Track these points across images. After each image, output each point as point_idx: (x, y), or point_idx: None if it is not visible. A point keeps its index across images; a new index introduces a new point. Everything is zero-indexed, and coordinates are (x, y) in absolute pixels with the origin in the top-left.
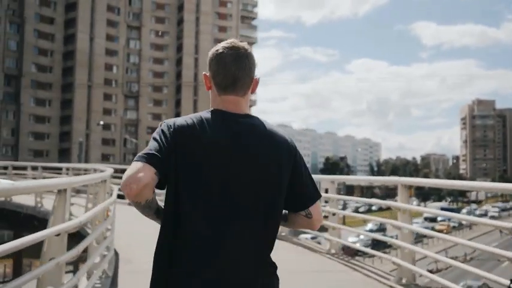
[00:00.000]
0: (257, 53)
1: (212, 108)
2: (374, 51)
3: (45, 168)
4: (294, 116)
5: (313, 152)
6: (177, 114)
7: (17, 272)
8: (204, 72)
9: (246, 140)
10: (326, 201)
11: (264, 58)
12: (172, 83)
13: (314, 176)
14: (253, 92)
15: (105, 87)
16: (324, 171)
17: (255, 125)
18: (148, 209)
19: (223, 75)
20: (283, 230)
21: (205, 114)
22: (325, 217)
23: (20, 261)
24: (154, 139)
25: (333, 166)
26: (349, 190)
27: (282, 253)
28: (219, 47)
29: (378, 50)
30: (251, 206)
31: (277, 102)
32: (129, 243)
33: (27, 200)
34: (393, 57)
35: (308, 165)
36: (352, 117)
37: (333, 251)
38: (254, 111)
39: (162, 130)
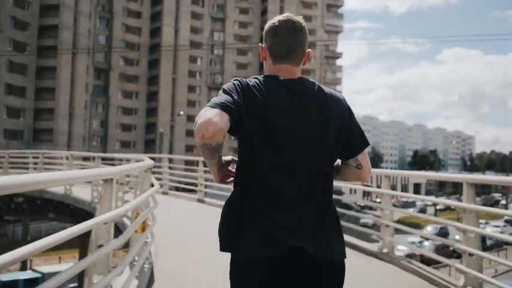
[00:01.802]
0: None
1: (272, 74)
2: (468, 39)
3: (103, 159)
4: (380, 108)
5: (401, 144)
6: None
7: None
8: (260, 44)
9: (305, 99)
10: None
11: (350, 49)
12: (255, 74)
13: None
14: (304, 64)
15: (189, 79)
16: (412, 164)
17: (310, 87)
18: (216, 151)
19: (279, 46)
20: None
21: (267, 78)
22: (378, 216)
23: (85, 252)
24: (227, 92)
25: (422, 160)
26: (441, 185)
27: None
28: (276, 20)
29: (472, 39)
30: (314, 159)
31: (363, 94)
32: (166, 232)
33: (84, 194)
34: (489, 46)
35: (395, 158)
36: (442, 109)
37: (385, 251)
38: None
39: (235, 85)
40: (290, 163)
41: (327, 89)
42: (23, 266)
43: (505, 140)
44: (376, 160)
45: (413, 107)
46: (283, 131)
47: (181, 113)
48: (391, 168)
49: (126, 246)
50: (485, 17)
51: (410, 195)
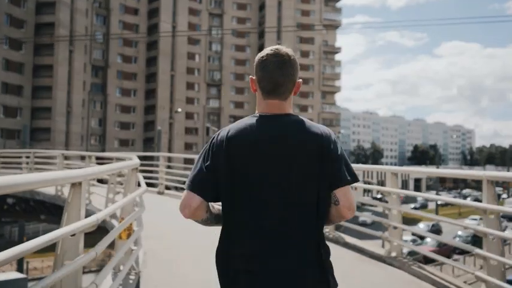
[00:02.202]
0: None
1: (257, 113)
2: (466, 33)
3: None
4: (380, 103)
5: (401, 140)
6: None
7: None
8: (250, 76)
9: (285, 140)
10: (382, 196)
11: (348, 44)
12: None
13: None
14: (295, 94)
15: (188, 76)
16: (412, 159)
17: (293, 125)
18: (205, 223)
19: (267, 81)
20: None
21: (250, 120)
22: (384, 214)
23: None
24: (201, 161)
25: (422, 155)
26: (442, 181)
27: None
28: (264, 53)
29: (470, 32)
30: (295, 199)
31: (362, 90)
32: (157, 237)
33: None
34: (487, 39)
35: (395, 153)
36: (442, 103)
37: (393, 254)
38: (338, 99)
39: (210, 147)
40: (265, 208)
41: (311, 126)
42: (19, 266)
43: (504, 133)
44: (376, 155)
45: (413, 101)
46: (259, 180)
47: (179, 110)
48: (391, 164)
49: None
50: (483, 9)
51: (419, 194)
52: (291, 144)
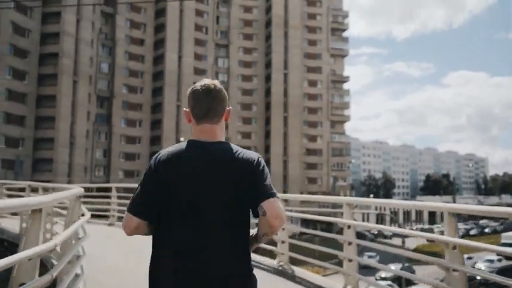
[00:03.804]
0: (348, 69)
1: (189, 139)
2: (472, 62)
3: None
4: (388, 133)
5: (412, 169)
6: (267, 133)
7: None
8: (184, 108)
9: (215, 166)
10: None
11: (355, 76)
12: (261, 100)
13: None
14: (226, 120)
15: None
16: (424, 189)
17: (223, 152)
18: (150, 234)
19: (198, 107)
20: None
21: (182, 145)
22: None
23: None
24: (140, 184)
25: (435, 184)
26: None
27: None
28: (195, 86)
29: (477, 61)
30: (221, 219)
31: (370, 120)
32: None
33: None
34: (494, 68)
35: (407, 183)
36: (450, 132)
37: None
38: (347, 129)
39: (146, 172)
40: (198, 228)
41: (240, 152)
42: None
43: None
44: (388, 185)
45: (421, 131)
46: (187, 202)
47: (182, 139)
48: (403, 194)
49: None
50: (489, 39)
51: (373, 226)
52: (219, 170)
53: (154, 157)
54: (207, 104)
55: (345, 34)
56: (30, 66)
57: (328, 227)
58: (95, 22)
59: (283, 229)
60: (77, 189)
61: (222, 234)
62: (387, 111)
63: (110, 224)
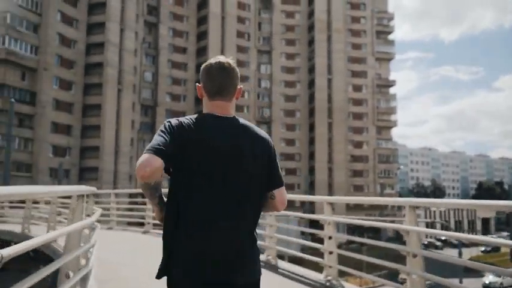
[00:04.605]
0: (394, 75)
1: (205, 112)
2: None
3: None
4: (436, 140)
5: (463, 176)
6: (311, 139)
7: None
8: (196, 84)
9: (235, 137)
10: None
11: (400, 81)
12: (304, 106)
13: None
14: (237, 98)
15: (237, 114)
16: (476, 197)
17: (240, 125)
18: (155, 190)
19: (211, 84)
20: None
21: (200, 116)
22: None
23: None
24: (160, 135)
25: (488, 192)
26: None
27: None
28: (208, 62)
29: None
30: (243, 191)
31: (417, 126)
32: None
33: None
34: None
35: (457, 191)
36: (503, 138)
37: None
38: (393, 135)
39: (166, 128)
40: (225, 196)
41: (255, 129)
42: None
43: None
44: (438, 193)
45: (471, 137)
46: (217, 167)
47: None
48: None
49: None
50: None
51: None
52: (241, 143)
53: (169, 121)
54: (220, 80)
55: (390, 37)
56: (76, 76)
57: (375, 235)
58: (138, 32)
59: (330, 238)
60: (81, 186)
61: (247, 206)
62: (435, 117)
63: (145, 232)
